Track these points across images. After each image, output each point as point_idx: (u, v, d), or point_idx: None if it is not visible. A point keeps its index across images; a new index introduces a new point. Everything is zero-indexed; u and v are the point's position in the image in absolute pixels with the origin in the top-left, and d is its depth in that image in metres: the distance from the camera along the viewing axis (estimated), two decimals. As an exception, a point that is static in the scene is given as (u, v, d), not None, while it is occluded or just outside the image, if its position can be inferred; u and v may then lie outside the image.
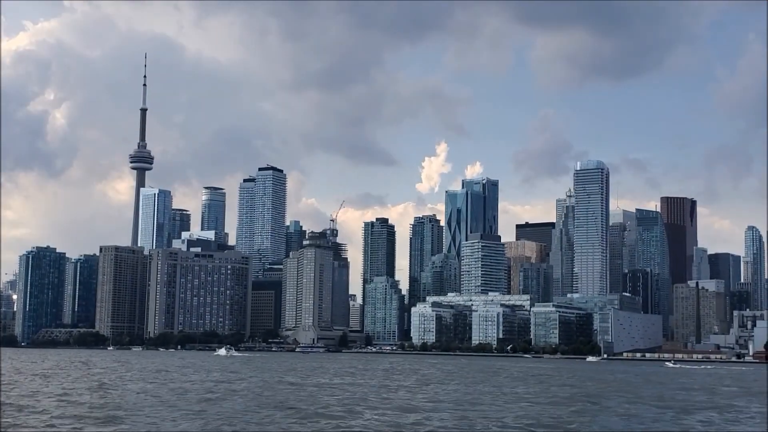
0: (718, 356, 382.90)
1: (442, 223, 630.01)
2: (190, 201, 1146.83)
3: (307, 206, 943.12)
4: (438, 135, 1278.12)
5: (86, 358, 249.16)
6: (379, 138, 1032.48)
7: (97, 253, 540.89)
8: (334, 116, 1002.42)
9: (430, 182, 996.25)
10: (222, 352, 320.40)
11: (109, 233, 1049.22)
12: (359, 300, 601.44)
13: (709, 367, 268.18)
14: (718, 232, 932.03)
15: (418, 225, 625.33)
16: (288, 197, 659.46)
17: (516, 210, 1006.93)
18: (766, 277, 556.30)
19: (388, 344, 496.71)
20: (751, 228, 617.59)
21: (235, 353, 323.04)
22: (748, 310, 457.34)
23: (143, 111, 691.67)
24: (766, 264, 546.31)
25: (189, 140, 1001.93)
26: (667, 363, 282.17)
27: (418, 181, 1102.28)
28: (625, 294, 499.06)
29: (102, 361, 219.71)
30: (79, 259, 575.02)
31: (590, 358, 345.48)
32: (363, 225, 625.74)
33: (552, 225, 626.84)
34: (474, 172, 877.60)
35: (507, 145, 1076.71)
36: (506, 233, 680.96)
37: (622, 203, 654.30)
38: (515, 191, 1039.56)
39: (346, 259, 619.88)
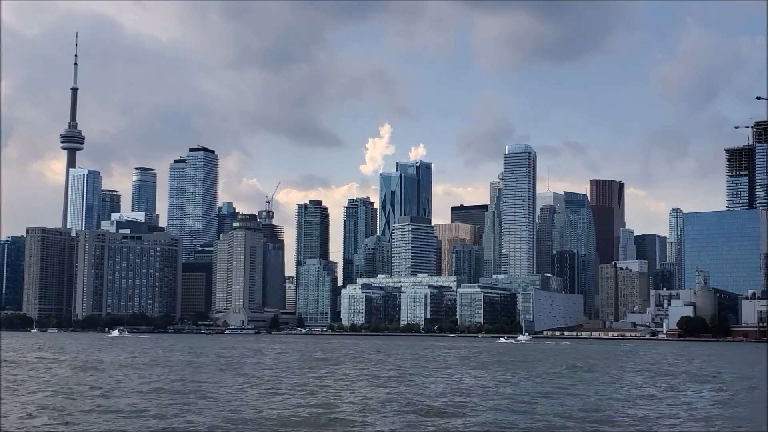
0: (634, 334, 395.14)
1: (377, 205, 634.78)
2: (128, 181, 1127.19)
3: (248, 187, 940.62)
4: (382, 116, 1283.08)
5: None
6: (323, 118, 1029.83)
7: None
8: (277, 96, 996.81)
9: (374, 164, 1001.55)
10: (115, 333, 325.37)
11: (44, 214, 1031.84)
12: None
13: (548, 342, 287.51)
14: (653, 214, 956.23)
15: (352, 207, 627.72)
16: (228, 177, 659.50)
17: (459, 192, 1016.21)
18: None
19: (318, 326, 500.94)
20: (676, 210, 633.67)
21: (128, 335, 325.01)
22: (665, 290, 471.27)
23: (74, 90, 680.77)
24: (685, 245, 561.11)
25: (127, 119, 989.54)
26: (501, 339, 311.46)
27: (362, 162, 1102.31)
28: (548, 274, 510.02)
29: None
30: (7, 241, 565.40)
31: (520, 337, 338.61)
32: (296, 207, 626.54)
33: (486, 207, 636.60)
34: (418, 154, 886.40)
35: (450, 128, 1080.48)
36: (446, 215, 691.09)
37: (559, 186, 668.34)
38: (458, 173, 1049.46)
39: (282, 241, 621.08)
